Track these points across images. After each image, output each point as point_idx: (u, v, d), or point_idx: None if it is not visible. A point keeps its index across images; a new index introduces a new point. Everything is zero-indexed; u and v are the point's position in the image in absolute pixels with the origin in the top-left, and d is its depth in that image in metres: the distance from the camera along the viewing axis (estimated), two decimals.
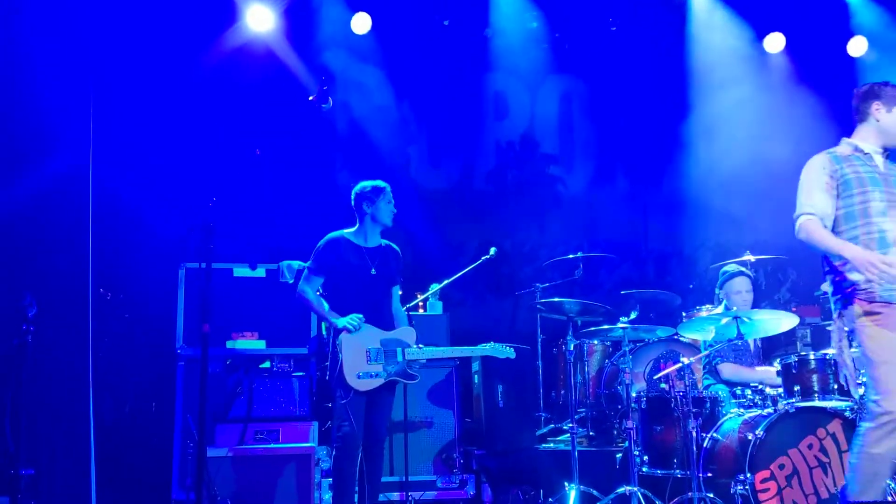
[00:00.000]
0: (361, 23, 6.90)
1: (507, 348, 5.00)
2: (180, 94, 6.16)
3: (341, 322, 4.53)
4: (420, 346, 4.72)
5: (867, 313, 3.56)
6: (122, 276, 5.92)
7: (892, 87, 3.82)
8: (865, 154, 3.79)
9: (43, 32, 5.27)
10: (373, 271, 4.67)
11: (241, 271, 5.39)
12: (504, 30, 7.28)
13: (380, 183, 4.79)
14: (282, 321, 5.33)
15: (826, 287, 3.84)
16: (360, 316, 4.56)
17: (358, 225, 4.79)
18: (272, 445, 4.91)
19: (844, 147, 3.85)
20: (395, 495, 5.33)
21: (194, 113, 6.24)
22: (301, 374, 5.29)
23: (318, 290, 4.75)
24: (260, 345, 5.28)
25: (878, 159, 3.79)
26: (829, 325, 5.87)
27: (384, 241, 4.86)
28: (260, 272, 5.44)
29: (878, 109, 3.77)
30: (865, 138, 3.82)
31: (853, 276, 3.59)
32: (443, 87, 7.41)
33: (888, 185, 3.72)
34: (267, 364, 5.35)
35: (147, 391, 5.90)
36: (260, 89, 6.51)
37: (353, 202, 4.79)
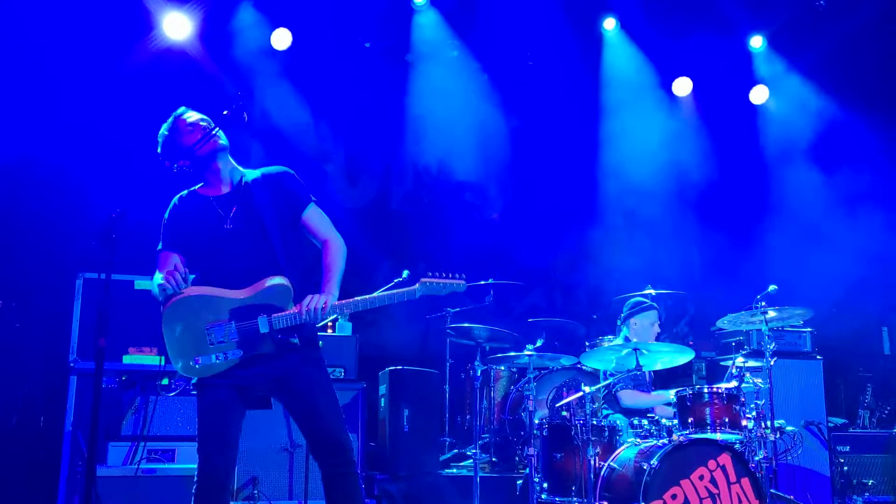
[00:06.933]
0: (282, 39, 6.86)
1: (451, 283, 3.57)
2: (90, 99, 5.97)
3: (154, 284, 3.33)
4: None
5: None
6: (15, 283, 5.68)
7: None
8: None
9: None
10: (228, 224, 3.45)
11: (143, 284, 5.23)
12: (425, 56, 7.37)
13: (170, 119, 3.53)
14: None
15: None
16: (176, 268, 3.31)
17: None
18: (167, 466, 4.75)
19: None
20: None
21: (104, 119, 6.05)
22: None
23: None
24: (158, 361, 5.12)
25: None
26: (724, 359, 6.14)
27: (248, 176, 3.57)
28: None
29: None
30: None
31: None
32: (362, 108, 7.42)
33: None
34: (165, 381, 5.19)
35: (36, 404, 5.65)
36: (174, 98, 6.36)
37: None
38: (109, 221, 3.32)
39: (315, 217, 3.59)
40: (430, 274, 3.53)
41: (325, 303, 3.33)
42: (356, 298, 3.45)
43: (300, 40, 6.94)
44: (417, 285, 3.51)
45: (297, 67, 7.06)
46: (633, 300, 5.65)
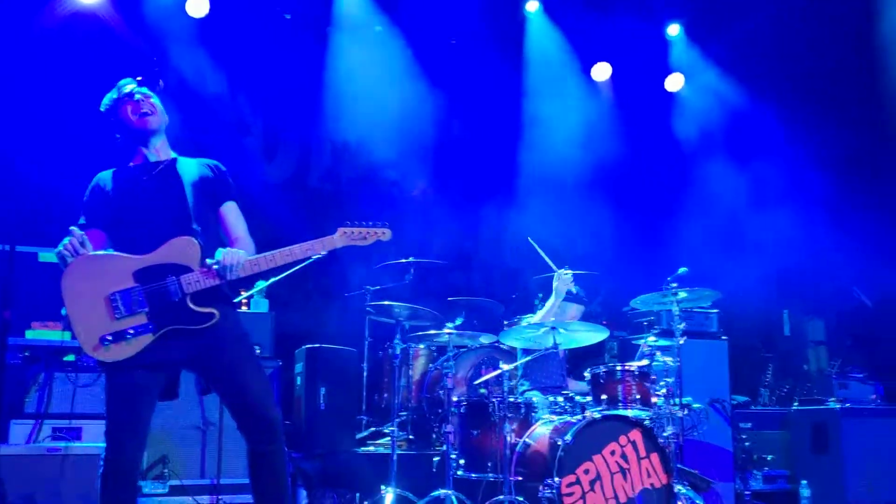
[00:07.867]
0: (199, 6, 6.64)
1: (373, 231, 3.46)
2: None
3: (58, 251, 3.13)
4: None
5: None
6: None
7: None
8: None
9: None
10: (146, 187, 3.32)
11: (48, 256, 4.99)
12: (348, 30, 7.25)
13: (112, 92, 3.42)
14: None
15: None
16: (72, 233, 3.14)
17: None
18: (72, 444, 4.58)
19: None
20: (206, 499, 5.12)
21: (7, 85, 5.74)
22: None
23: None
24: (64, 336, 4.91)
25: None
26: (636, 338, 6.31)
27: (179, 158, 3.52)
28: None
29: None
30: None
31: None
32: (281, 80, 7.26)
33: None
34: (71, 357, 4.99)
35: None
36: (83, 65, 6.09)
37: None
38: (12, 190, 3.16)
39: (233, 213, 3.45)
40: (349, 223, 3.38)
41: (239, 257, 3.16)
42: (271, 252, 3.25)
43: (218, 7, 6.73)
44: (336, 234, 3.35)
45: (214, 35, 6.84)
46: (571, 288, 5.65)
